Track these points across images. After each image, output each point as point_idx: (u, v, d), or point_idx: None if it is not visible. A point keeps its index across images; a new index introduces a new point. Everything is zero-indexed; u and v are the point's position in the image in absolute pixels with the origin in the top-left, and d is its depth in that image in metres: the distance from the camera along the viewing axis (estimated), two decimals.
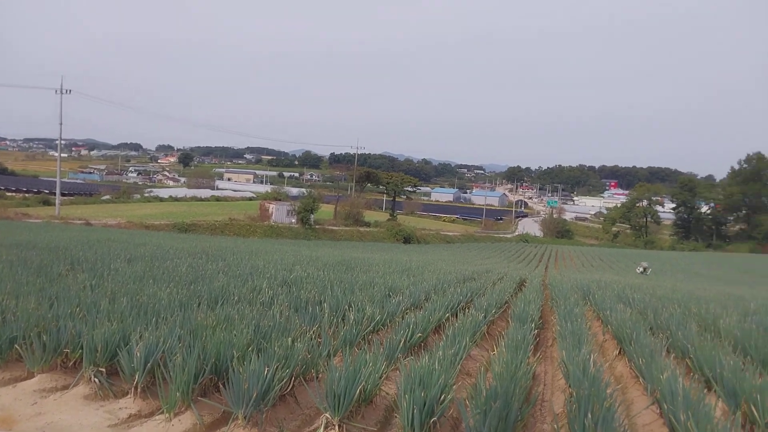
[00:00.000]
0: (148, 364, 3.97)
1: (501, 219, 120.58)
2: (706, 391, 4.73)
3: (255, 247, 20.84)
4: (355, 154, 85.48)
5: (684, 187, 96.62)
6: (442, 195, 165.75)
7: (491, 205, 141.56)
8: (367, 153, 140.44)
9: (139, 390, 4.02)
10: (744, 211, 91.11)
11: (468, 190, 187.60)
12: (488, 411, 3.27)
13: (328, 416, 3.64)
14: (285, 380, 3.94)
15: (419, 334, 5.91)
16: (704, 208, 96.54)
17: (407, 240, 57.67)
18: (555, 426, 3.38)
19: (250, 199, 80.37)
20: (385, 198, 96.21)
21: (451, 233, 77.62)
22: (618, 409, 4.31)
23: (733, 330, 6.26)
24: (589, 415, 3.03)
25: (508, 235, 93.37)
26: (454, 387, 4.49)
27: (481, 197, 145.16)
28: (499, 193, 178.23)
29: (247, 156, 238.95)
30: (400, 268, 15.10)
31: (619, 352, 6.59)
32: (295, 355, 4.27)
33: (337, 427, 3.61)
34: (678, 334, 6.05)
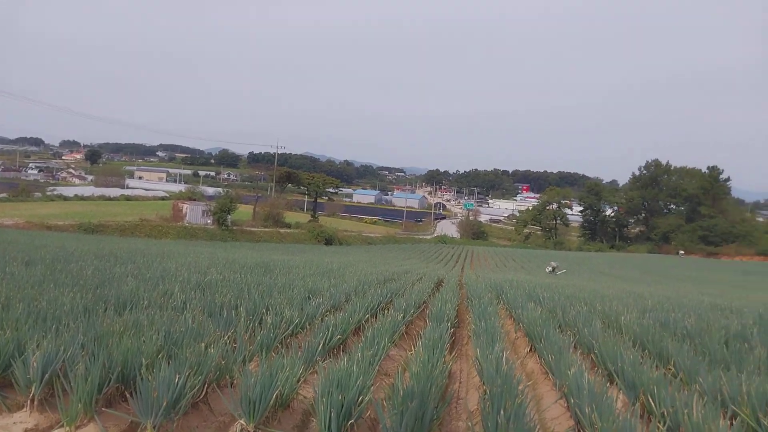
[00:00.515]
0: (46, 375, 3.70)
1: (421, 221, 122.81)
2: (608, 384, 5.00)
3: (167, 249, 20.02)
4: (275, 153, 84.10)
5: (591, 191, 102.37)
6: (364, 196, 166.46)
7: (411, 207, 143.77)
8: (288, 153, 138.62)
9: (35, 403, 3.74)
10: (643, 214, 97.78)
11: (389, 192, 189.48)
12: (405, 411, 3.30)
13: (243, 423, 3.54)
14: (198, 387, 3.80)
15: (338, 336, 5.88)
16: (608, 211, 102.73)
17: (329, 241, 57.47)
18: (469, 423, 3.46)
19: (163, 198, 77.25)
20: (306, 199, 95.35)
21: (372, 235, 78.13)
22: (529, 404, 4.48)
23: (633, 326, 6.66)
24: (502, 412, 3.12)
25: (428, 237, 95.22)
26: (373, 388, 4.50)
27: (402, 199, 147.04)
28: (419, 195, 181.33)
29: (160, 154, 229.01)
30: (320, 270, 14.99)
31: (531, 349, 6.85)
32: (208, 361, 4.12)
33: None
34: (584, 331, 6.36)
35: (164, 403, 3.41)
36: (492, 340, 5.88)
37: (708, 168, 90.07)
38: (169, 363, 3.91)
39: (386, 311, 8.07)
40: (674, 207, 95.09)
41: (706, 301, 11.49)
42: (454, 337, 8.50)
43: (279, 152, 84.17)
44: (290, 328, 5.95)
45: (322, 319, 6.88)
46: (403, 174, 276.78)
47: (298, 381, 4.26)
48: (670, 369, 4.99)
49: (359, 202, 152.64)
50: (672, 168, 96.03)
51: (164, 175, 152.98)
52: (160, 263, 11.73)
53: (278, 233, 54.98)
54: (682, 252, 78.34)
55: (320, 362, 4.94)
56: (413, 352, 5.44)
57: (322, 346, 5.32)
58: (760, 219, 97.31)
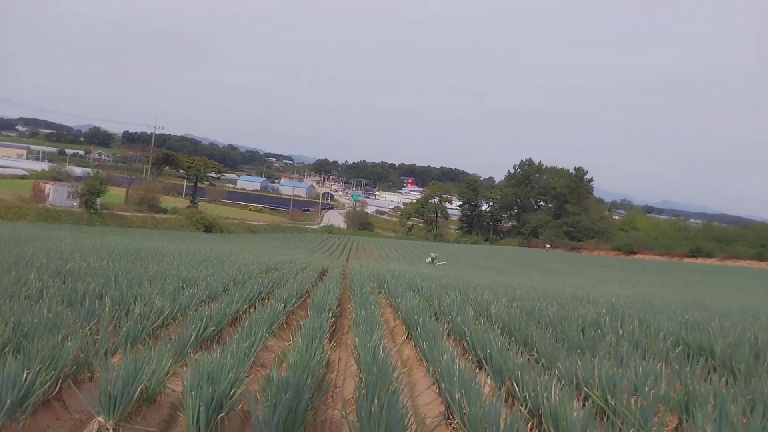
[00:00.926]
0: None
1: (308, 210, 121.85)
2: (478, 370, 5.25)
3: (25, 233, 18.22)
4: (152, 134, 79.19)
5: (469, 186, 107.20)
6: (249, 183, 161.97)
7: (299, 196, 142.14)
8: (166, 134, 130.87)
9: None
10: (516, 210, 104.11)
11: (276, 180, 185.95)
12: (278, 402, 3.23)
13: (101, 420, 3.29)
14: (50, 383, 3.47)
15: (213, 328, 5.67)
16: (485, 206, 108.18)
17: (209, 229, 55.24)
18: (344, 412, 3.46)
19: (23, 177, 70.26)
20: (185, 184, 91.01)
21: (256, 223, 76.28)
22: (403, 391, 4.59)
23: (502, 314, 7.05)
24: (376, 401, 3.15)
25: (314, 226, 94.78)
26: (248, 380, 4.38)
27: (289, 188, 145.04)
28: (307, 184, 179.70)
29: (20, 128, 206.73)
30: (198, 258, 14.38)
31: (408, 337, 7.04)
32: (64, 354, 3.78)
33: (111, 431, 3.28)
34: (457, 319, 6.63)
35: (8, 402, 3.08)
36: (371, 328, 5.95)
37: (575, 169, 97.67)
38: (16, 357, 3.54)
39: (267, 301, 7.91)
40: (543, 204, 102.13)
41: (567, 292, 12.46)
42: (336, 326, 8.52)
43: (157, 132, 79.30)
44: (160, 319, 5.63)
45: (196, 309, 6.59)
46: (291, 162, 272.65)
47: (166, 374, 4.04)
48: (533, 355, 5.32)
49: (244, 189, 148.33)
50: (543, 167, 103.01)
51: (24, 152, 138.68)
52: (14, 248, 10.63)
53: (153, 219, 51.93)
54: (549, 246, 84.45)
55: (192, 354, 4.73)
56: (292, 342, 5.37)
57: (194, 337, 5.09)
58: (616, 217, 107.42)
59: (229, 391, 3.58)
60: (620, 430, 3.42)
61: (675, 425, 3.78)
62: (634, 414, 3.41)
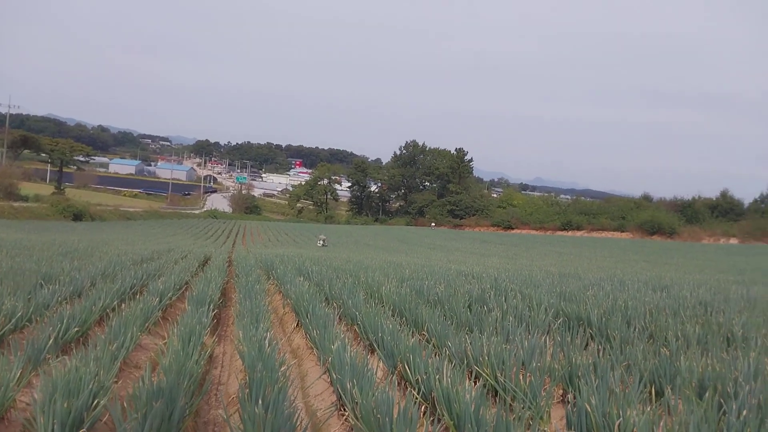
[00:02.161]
0: None
1: (189, 194, 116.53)
2: (370, 355, 5.15)
3: None
4: (6, 113, 71.30)
5: (358, 168, 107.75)
6: (123, 167, 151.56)
7: (178, 180, 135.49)
8: (25, 114, 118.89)
9: None
10: (403, 191, 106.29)
11: (153, 163, 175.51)
12: (149, 412, 2.88)
13: None
14: None
15: (77, 328, 5.07)
16: (373, 187, 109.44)
17: (78, 217, 51.05)
18: (224, 415, 3.18)
19: None
20: (49, 168, 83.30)
21: (132, 209, 71.61)
22: (292, 384, 4.36)
23: (393, 295, 7.00)
24: (260, 401, 2.90)
25: (197, 211, 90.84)
26: (117, 386, 3.94)
27: (167, 171, 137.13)
28: (187, 167, 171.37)
29: None
30: (63, 250, 13.09)
31: (298, 325, 6.79)
32: None
33: None
34: (348, 303, 6.48)
35: None
36: (256, 320, 5.64)
37: (456, 150, 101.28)
38: None
39: (141, 295, 7.29)
40: (428, 184, 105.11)
41: (453, 269, 12.77)
42: (219, 318, 8.07)
43: (13, 112, 71.57)
44: (12, 322, 4.95)
45: (57, 309, 5.90)
46: (168, 143, 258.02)
47: (17, 385, 3.52)
48: (424, 335, 5.30)
49: (117, 173, 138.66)
50: (427, 149, 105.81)
51: None
52: None
53: (11, 208, 47.00)
54: (434, 224, 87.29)
55: (51, 360, 4.18)
56: (167, 340, 4.94)
57: (53, 340, 4.51)
58: (495, 195, 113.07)
59: (91, 403, 3.16)
60: (511, 406, 3.44)
61: (561, 396, 3.89)
62: (523, 389, 3.45)
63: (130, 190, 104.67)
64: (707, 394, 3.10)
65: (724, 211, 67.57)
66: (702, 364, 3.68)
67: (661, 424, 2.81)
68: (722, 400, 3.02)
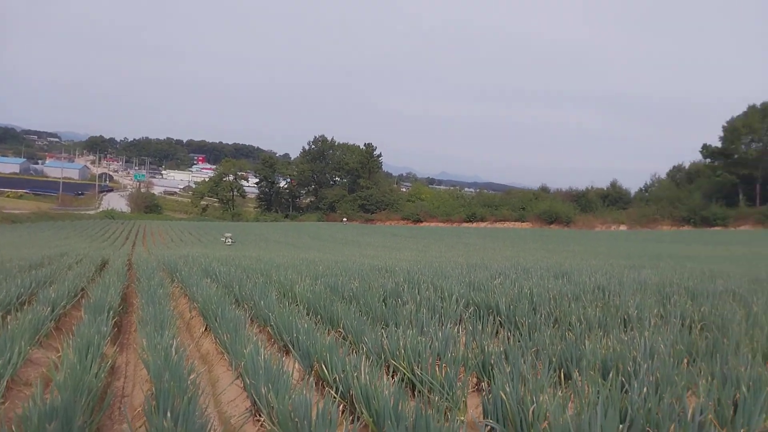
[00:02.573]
0: None
1: (82, 194, 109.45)
2: (285, 356, 5.02)
3: None
4: None
5: (265, 163, 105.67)
6: (5, 166, 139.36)
7: (70, 179, 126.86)
8: None
9: None
10: (313, 186, 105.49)
11: (40, 161, 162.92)
12: None
13: None
14: None
15: None
16: (282, 183, 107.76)
17: None
18: (129, 430, 2.97)
19: None
20: None
21: (17, 211, 66.21)
22: (203, 392, 4.17)
23: (307, 293, 6.89)
24: (169, 414, 2.73)
25: (92, 212, 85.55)
26: (5, 407, 3.59)
27: (57, 169, 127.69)
28: (79, 165, 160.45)
29: None
30: None
31: (206, 329, 6.53)
32: None
33: None
34: (261, 304, 6.30)
35: None
36: (161, 326, 5.35)
37: (365, 145, 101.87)
38: None
39: (30, 305, 6.71)
40: (339, 179, 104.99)
41: (366, 264, 12.81)
42: (121, 325, 7.60)
43: None
44: None
45: None
46: (57, 140, 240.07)
47: None
48: (340, 332, 5.25)
49: None
50: (336, 144, 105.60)
51: None
52: None
53: None
54: (345, 219, 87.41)
55: None
56: (61, 354, 4.56)
57: None
58: (404, 189, 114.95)
59: None
60: (429, 399, 3.48)
61: (476, 384, 3.98)
62: (439, 381, 3.49)
63: (14, 190, 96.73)
64: (611, 375, 3.29)
65: (614, 200, 72.74)
66: (604, 345, 3.90)
67: (571, 406, 2.94)
68: (624, 380, 3.21)
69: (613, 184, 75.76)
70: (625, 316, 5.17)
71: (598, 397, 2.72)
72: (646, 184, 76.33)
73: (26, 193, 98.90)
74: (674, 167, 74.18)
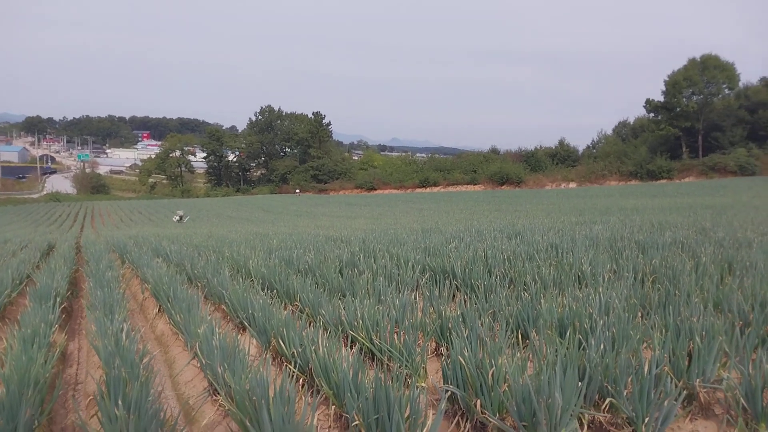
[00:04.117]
0: None
1: (24, 177, 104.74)
2: (241, 333, 4.95)
3: None
4: None
5: (212, 137, 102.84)
6: None
7: (10, 162, 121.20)
8: None
9: None
10: (263, 158, 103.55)
11: None
12: None
13: None
14: None
15: None
16: (231, 157, 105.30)
17: None
18: (80, 419, 2.85)
19: None
20: None
21: None
22: (159, 375, 4.06)
23: (261, 269, 6.77)
24: (120, 402, 2.63)
25: (35, 195, 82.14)
26: None
27: None
28: (18, 147, 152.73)
29: None
30: None
31: (160, 310, 6.36)
32: None
33: None
34: (214, 282, 6.17)
35: None
36: (110, 310, 5.17)
37: (313, 114, 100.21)
38: None
39: None
40: (289, 150, 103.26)
41: (321, 234, 12.71)
42: (71, 311, 7.34)
43: None
44: None
45: None
46: None
47: None
48: (297, 305, 5.19)
49: None
50: (284, 114, 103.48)
51: None
52: None
53: None
54: (299, 190, 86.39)
55: None
56: (6, 344, 4.36)
57: None
58: (356, 158, 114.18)
59: None
60: (389, 367, 3.47)
61: (434, 349, 4.01)
62: (398, 348, 3.48)
63: None
64: (568, 333, 3.34)
65: (562, 159, 74.16)
66: (560, 304, 3.97)
67: (530, 366, 2.98)
68: (581, 337, 3.28)
69: (561, 143, 77.11)
70: (579, 273, 5.27)
71: (557, 356, 2.77)
72: (593, 140, 78.10)
73: None
74: (620, 123, 76.02)
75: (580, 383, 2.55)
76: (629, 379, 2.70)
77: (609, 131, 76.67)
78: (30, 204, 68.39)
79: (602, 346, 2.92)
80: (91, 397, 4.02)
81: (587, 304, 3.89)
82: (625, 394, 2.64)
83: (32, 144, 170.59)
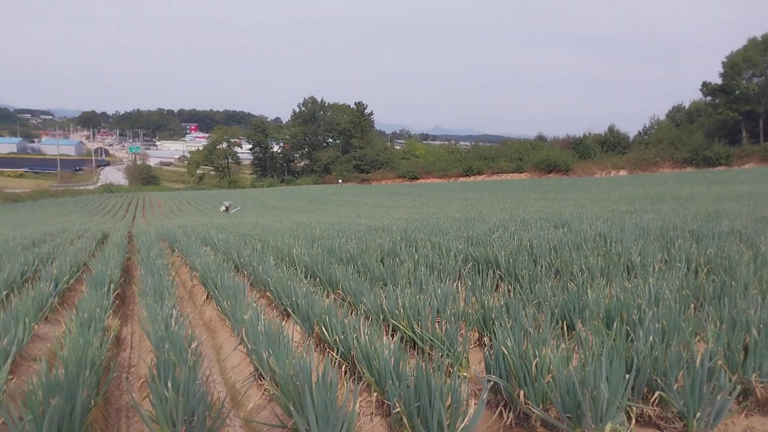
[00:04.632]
0: None
1: (80, 170, 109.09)
2: (285, 320, 5.03)
3: None
4: None
5: (257, 128, 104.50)
6: (3, 146, 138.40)
7: (67, 155, 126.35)
8: None
9: None
10: (306, 149, 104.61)
11: (36, 139, 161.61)
12: (46, 412, 2.63)
13: None
14: None
15: None
16: (276, 148, 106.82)
17: None
18: (133, 400, 2.97)
19: None
20: None
21: (18, 190, 66.15)
22: (206, 359, 4.18)
23: (304, 257, 6.86)
24: (170, 384, 2.72)
25: (91, 187, 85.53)
26: (13, 382, 3.61)
27: (53, 146, 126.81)
28: (75, 141, 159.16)
29: None
30: None
31: (208, 297, 6.53)
32: None
33: None
34: (259, 270, 6.28)
35: None
36: (161, 296, 5.33)
37: (355, 104, 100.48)
38: None
39: (34, 282, 6.72)
40: (332, 140, 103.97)
41: (363, 224, 12.78)
42: (124, 297, 7.62)
43: None
44: None
45: None
46: (51, 117, 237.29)
47: None
48: (339, 294, 5.24)
49: None
50: (326, 104, 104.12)
51: None
52: None
53: None
54: (341, 181, 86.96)
55: None
56: (65, 328, 4.57)
57: None
58: (398, 147, 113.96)
59: None
60: (430, 356, 3.47)
61: (477, 339, 3.98)
62: (440, 338, 3.47)
63: (13, 169, 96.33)
64: (615, 324, 3.26)
65: (612, 145, 72.03)
66: (607, 294, 3.87)
67: (575, 357, 2.92)
68: (629, 328, 3.19)
69: (611, 129, 74.86)
70: (628, 264, 5.13)
71: (603, 348, 2.70)
72: (645, 126, 75.38)
73: (26, 171, 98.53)
74: (674, 107, 72.90)
75: (627, 375, 2.48)
76: (680, 373, 2.61)
77: (662, 116, 73.77)
78: (86, 195, 71.23)
79: (651, 338, 2.83)
80: (143, 380, 4.17)
81: (636, 294, 3.78)
82: (675, 387, 2.55)
83: (87, 138, 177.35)
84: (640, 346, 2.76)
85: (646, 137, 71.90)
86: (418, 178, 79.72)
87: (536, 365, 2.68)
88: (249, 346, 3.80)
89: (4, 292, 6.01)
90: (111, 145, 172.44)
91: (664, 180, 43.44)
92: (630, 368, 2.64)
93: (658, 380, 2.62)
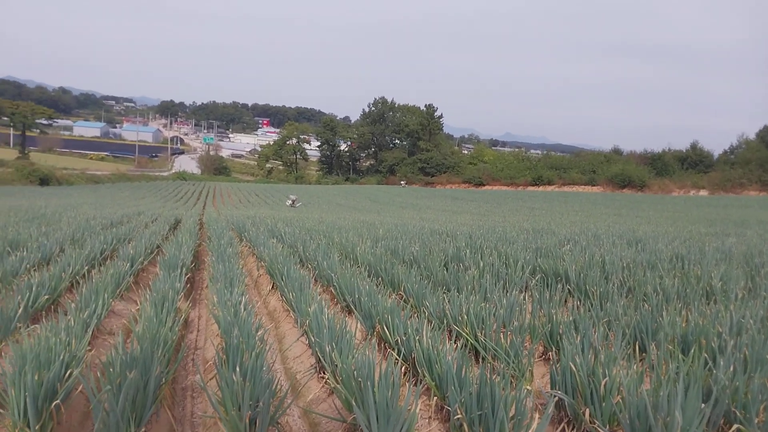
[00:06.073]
0: None
1: (156, 156, 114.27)
2: (347, 316, 5.09)
3: None
4: None
5: (326, 126, 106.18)
6: (88, 130, 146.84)
7: (145, 142, 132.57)
8: None
9: None
10: (373, 149, 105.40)
11: (118, 125, 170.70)
12: (123, 383, 2.77)
13: None
14: None
15: (47, 296, 4.90)
16: (343, 146, 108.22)
17: (44, 182, 49.64)
18: (202, 382, 3.08)
19: None
20: (12, 132, 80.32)
21: (99, 173, 69.96)
22: (269, 349, 4.29)
23: (368, 256, 6.93)
24: (238, 369, 2.81)
25: (165, 173, 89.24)
26: (91, 354, 3.82)
27: (133, 133, 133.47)
28: (153, 128, 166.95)
29: None
30: (29, 215, 12.69)
31: (273, 287, 6.70)
32: None
33: None
34: (323, 265, 6.39)
35: None
36: (230, 283, 5.51)
37: (425, 106, 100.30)
38: None
39: (112, 260, 7.10)
40: (399, 142, 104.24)
41: (426, 227, 12.75)
42: (193, 281, 7.93)
43: None
44: None
45: (27, 276, 5.69)
46: (133, 104, 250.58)
47: None
48: (401, 295, 5.25)
49: (81, 136, 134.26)
50: (396, 105, 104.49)
51: None
52: None
53: None
54: (405, 182, 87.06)
55: (22, 330, 4.02)
56: (139, 307, 4.80)
57: (23, 309, 4.34)
58: (465, 152, 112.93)
59: (64, 373, 3.03)
60: (493, 366, 3.42)
61: (542, 354, 3.89)
62: (504, 349, 3.42)
63: (96, 153, 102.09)
64: (692, 350, 3.11)
65: (693, 163, 68.54)
66: (684, 318, 3.70)
67: (647, 381, 2.81)
68: (707, 356, 3.03)
69: (694, 146, 71.13)
70: (708, 288, 4.88)
71: (678, 374, 2.58)
72: (732, 145, 71.17)
73: (107, 155, 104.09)
74: (765, 127, 68.48)
75: (703, 404, 2.36)
76: (761, 407, 2.46)
77: (751, 136, 69.44)
78: (160, 181, 74.43)
79: (732, 368, 2.68)
80: (209, 362, 4.33)
81: (716, 321, 3.59)
82: (756, 422, 2.41)
83: (165, 126, 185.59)
84: (719, 375, 2.62)
85: (732, 156, 67.92)
86: (484, 185, 78.70)
87: (605, 385, 2.60)
88: (312, 338, 3.88)
89: (86, 268, 6.39)
90: (186, 134, 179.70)
91: (749, 203, 40.96)
92: (707, 398, 2.51)
93: (737, 413, 2.48)
